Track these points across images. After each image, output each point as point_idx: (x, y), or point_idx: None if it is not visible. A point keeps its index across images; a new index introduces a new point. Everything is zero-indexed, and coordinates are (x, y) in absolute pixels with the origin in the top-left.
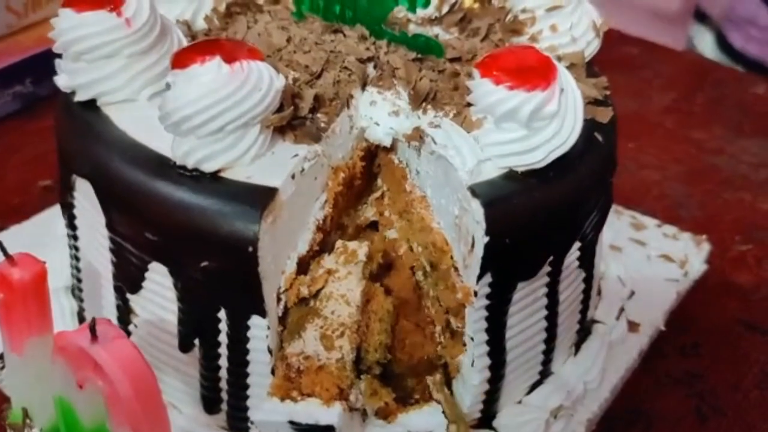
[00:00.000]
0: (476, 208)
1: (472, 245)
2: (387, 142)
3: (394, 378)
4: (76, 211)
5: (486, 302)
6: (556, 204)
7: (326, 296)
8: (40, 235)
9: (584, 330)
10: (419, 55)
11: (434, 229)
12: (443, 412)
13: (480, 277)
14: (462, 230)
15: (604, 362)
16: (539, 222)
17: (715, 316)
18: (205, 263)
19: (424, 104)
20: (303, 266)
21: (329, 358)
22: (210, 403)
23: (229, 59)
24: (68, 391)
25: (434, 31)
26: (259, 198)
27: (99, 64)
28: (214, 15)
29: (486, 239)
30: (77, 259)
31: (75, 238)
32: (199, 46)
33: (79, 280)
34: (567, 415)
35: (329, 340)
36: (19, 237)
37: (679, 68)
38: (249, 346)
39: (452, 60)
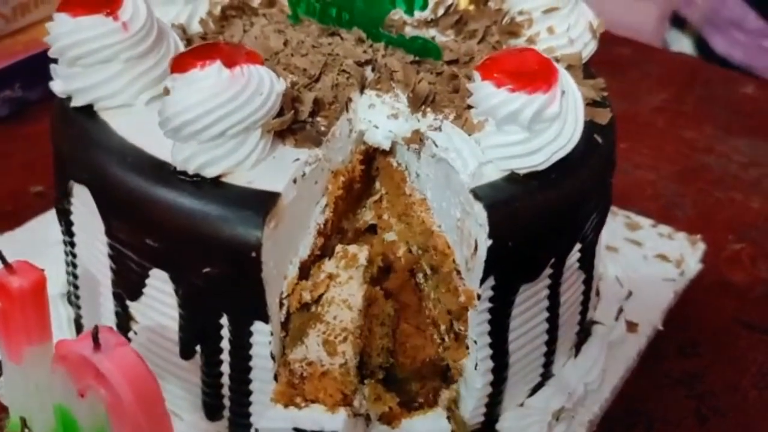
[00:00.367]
0: (479, 211)
1: (475, 248)
2: (386, 145)
3: (397, 382)
4: (73, 218)
5: (489, 305)
6: (557, 206)
7: (328, 301)
8: (33, 242)
9: (584, 331)
10: (417, 58)
11: (435, 233)
12: (447, 417)
13: (483, 280)
14: (464, 233)
15: (604, 363)
16: (541, 224)
17: (712, 316)
18: (207, 269)
19: (423, 107)
20: (304, 271)
21: (332, 364)
22: (212, 410)
23: (229, 63)
24: (69, 400)
25: (430, 33)
26: (262, 203)
27: (96, 68)
28: (210, 18)
29: (489, 242)
30: (74, 266)
31: (72, 244)
32: (198, 50)
33: (76, 287)
34: (568, 417)
35: (332, 345)
36: (13, 244)
37: (668, 68)
38: (251, 352)
39: (450, 62)
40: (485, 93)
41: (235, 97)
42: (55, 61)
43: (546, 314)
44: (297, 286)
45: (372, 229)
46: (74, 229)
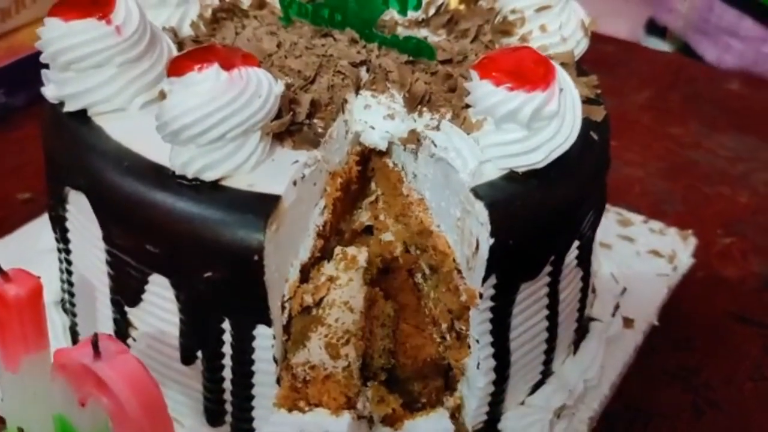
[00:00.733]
0: (480, 210)
1: (476, 247)
2: (383, 146)
3: (399, 383)
4: (68, 225)
5: (491, 304)
6: (557, 203)
7: (329, 304)
8: (24, 250)
9: (582, 328)
10: (411, 58)
11: (434, 232)
12: (450, 417)
13: (485, 279)
14: (464, 232)
15: (602, 360)
16: (542, 222)
17: (706, 310)
18: (208, 274)
19: (419, 107)
20: (305, 273)
21: (335, 367)
22: (213, 416)
23: (227, 66)
24: (68, 409)
25: (422, 33)
26: (263, 206)
27: (89, 73)
28: (201, 21)
29: (491, 241)
30: (69, 273)
31: (67, 251)
32: (195, 53)
33: (72, 295)
34: (569, 414)
35: (334, 348)
36: (3, 252)
37: (653, 66)
38: (254, 356)
39: (444, 62)
40: (484, 92)
41: (233, 99)
42: (46, 66)
43: (546, 312)
44: (298, 289)
45: (368, 230)
46: (69, 236)
